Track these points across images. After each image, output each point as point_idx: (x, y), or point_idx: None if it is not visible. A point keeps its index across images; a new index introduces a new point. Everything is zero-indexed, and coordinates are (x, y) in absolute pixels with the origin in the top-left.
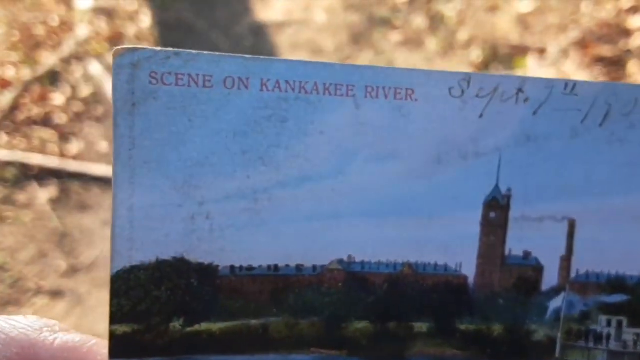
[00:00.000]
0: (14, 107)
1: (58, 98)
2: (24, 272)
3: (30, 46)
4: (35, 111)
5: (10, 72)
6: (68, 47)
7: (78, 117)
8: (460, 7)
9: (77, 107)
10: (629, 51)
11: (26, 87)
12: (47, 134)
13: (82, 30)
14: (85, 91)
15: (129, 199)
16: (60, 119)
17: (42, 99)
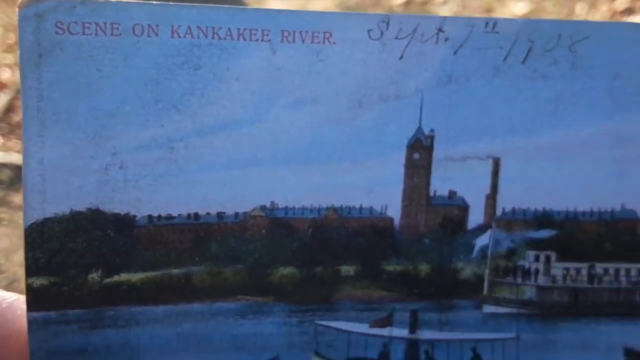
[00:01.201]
0: (10, 109)
1: None
2: (18, 273)
3: None
4: None
5: (5, 75)
6: None
7: None
8: (455, 8)
9: None
10: None
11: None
12: None
13: None
14: None
15: (38, 151)
16: None
17: None
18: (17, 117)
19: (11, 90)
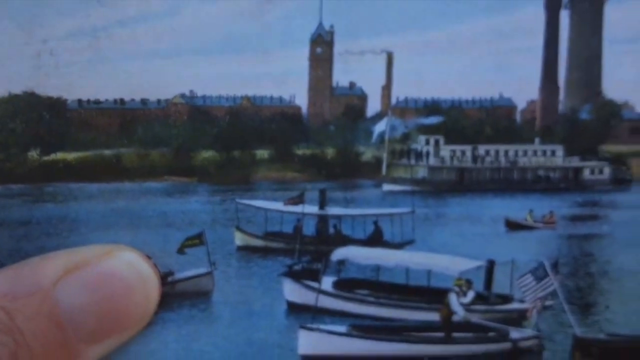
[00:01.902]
0: None
1: None
2: None
3: None
4: None
5: None
6: None
7: None
8: None
9: None
10: None
11: None
12: None
13: None
14: None
15: None
16: None
17: None
18: None
19: None
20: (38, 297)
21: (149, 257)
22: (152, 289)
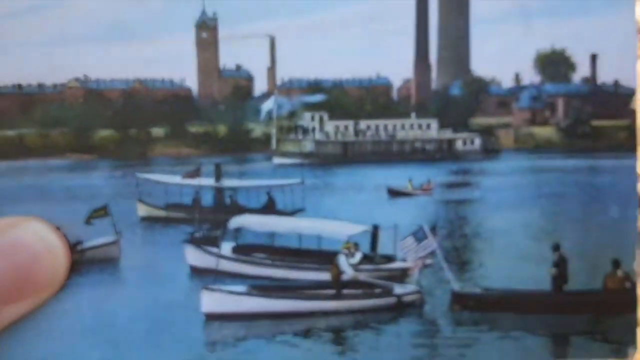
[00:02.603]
0: None
1: None
2: None
3: None
4: None
5: None
6: None
7: None
8: None
9: None
10: None
11: None
12: None
13: None
14: None
15: None
16: None
17: None
18: None
19: None
20: None
21: (57, 228)
22: (59, 256)
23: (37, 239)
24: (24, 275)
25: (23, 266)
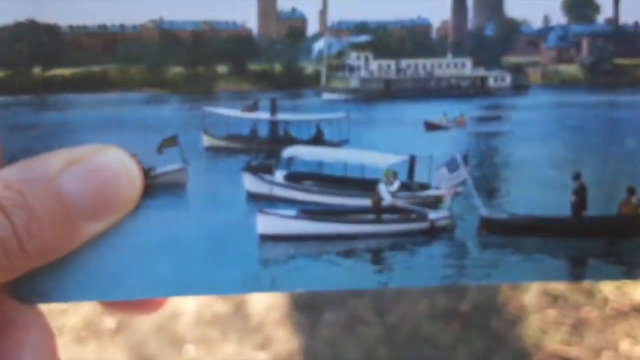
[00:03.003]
0: None
1: None
2: None
3: None
4: None
5: None
6: None
7: None
8: None
9: None
10: None
11: None
12: None
13: None
14: None
15: None
16: None
17: None
18: None
19: None
20: (45, 182)
21: (133, 155)
22: (136, 178)
23: (118, 163)
24: (106, 194)
25: (106, 187)
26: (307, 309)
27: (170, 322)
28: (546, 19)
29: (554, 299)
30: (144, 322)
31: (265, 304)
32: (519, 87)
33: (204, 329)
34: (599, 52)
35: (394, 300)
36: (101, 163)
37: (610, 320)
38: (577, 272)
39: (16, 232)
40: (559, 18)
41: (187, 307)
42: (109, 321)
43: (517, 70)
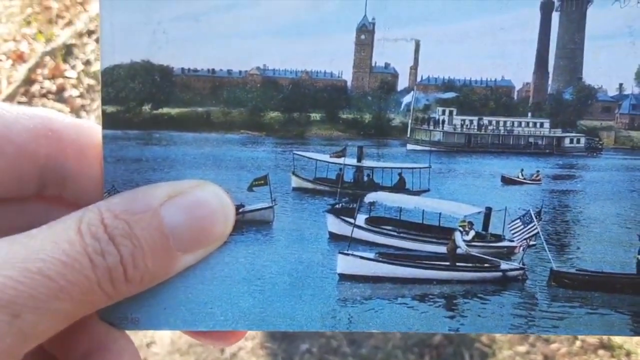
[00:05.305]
0: (28, 80)
1: (71, 72)
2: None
3: (45, 21)
4: (48, 85)
5: (24, 46)
6: (81, 22)
7: (90, 91)
8: None
9: (89, 81)
10: None
11: (40, 60)
12: (59, 107)
13: (96, 6)
14: (96, 66)
15: (110, 17)
16: (73, 92)
17: (56, 72)
18: (35, 88)
19: (30, 61)
20: (149, 214)
21: (227, 192)
22: (230, 215)
23: (215, 199)
24: (203, 228)
25: (203, 221)
26: (282, 339)
27: (143, 351)
28: (621, 87)
29: (524, 335)
30: None
31: None
32: (593, 149)
33: (178, 359)
34: None
35: (368, 332)
36: (200, 198)
37: (577, 358)
38: (638, 327)
39: (122, 262)
40: (633, 87)
41: (160, 335)
42: None
43: (592, 133)
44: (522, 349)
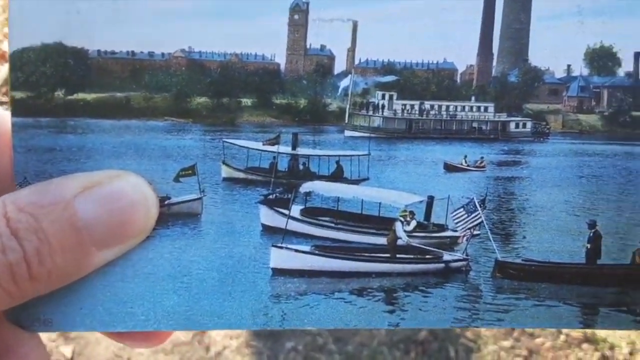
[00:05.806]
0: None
1: None
2: None
3: None
4: None
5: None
6: None
7: None
8: None
9: None
10: None
11: None
12: None
13: None
14: (4, 47)
15: None
16: None
17: None
18: None
19: None
20: (60, 206)
21: (150, 183)
22: (152, 207)
23: (135, 191)
24: (121, 221)
25: (121, 214)
26: (267, 338)
27: (127, 350)
28: (569, 69)
29: (509, 329)
30: (100, 351)
31: (224, 332)
32: (540, 134)
33: (163, 358)
34: (618, 104)
35: (354, 329)
36: (118, 189)
37: (561, 352)
38: (588, 320)
39: (26, 257)
40: (581, 69)
41: None
42: (65, 350)
43: (539, 117)
44: (506, 343)
